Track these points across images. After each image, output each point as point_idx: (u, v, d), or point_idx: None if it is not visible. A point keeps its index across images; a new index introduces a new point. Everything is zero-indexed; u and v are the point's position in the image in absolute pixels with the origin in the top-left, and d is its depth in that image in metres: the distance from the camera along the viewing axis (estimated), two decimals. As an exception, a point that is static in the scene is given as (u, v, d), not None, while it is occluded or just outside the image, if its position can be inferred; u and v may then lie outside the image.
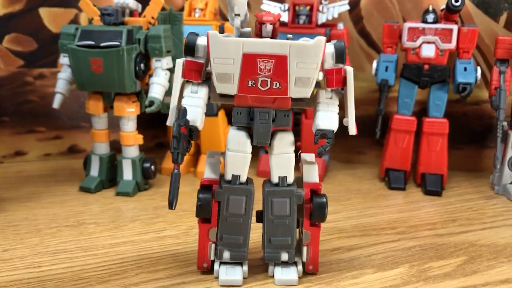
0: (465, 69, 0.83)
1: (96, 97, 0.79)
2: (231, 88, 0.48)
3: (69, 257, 0.58)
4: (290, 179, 0.51)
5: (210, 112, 0.88)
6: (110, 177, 0.83)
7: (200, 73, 0.49)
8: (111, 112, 0.81)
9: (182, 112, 0.47)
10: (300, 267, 0.53)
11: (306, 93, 0.49)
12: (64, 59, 0.80)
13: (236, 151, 0.50)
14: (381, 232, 0.68)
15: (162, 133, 1.03)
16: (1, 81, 0.95)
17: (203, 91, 0.49)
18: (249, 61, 0.46)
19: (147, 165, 0.81)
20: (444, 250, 0.62)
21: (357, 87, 0.99)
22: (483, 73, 0.93)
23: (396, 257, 0.60)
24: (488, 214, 0.75)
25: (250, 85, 0.47)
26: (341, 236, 0.66)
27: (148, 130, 0.80)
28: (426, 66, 0.85)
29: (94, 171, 0.82)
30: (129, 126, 0.80)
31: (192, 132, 0.48)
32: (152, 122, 0.92)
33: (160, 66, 0.76)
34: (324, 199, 0.52)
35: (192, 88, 0.49)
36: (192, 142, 0.49)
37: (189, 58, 0.49)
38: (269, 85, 0.48)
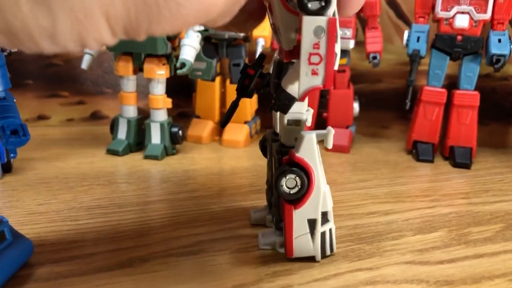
0: (499, 40, 0.82)
1: (126, 59, 0.78)
2: None
3: (105, 212, 0.57)
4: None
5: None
6: (138, 141, 0.82)
7: None
8: (138, 77, 0.80)
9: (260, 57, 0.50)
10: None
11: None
12: (93, 20, 0.78)
13: None
14: (415, 199, 0.67)
15: (185, 102, 1.02)
16: (25, 43, 0.94)
17: None
18: None
19: (175, 129, 0.81)
20: (481, 217, 0.61)
21: (384, 59, 0.98)
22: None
23: (434, 221, 0.59)
24: (520, 186, 0.75)
25: None
26: (376, 202, 0.65)
27: (171, 99, 0.80)
28: (459, 37, 0.83)
29: (122, 134, 0.81)
30: (159, 89, 0.79)
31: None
32: (176, 91, 0.91)
33: (192, 28, 0.75)
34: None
35: None
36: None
37: None
38: None
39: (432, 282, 0.45)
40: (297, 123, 0.48)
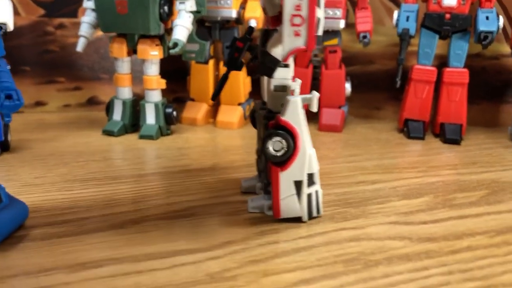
0: (487, 18, 0.83)
1: (120, 40, 0.80)
2: None
3: (99, 183, 0.59)
4: None
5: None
6: (133, 122, 0.83)
7: None
8: (134, 62, 0.82)
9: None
10: None
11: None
12: (88, 3, 0.80)
13: None
14: (403, 170, 0.68)
15: (181, 87, 1.04)
16: (22, 29, 0.96)
17: None
18: None
19: (170, 110, 0.82)
20: (467, 185, 0.63)
21: (375, 41, 1.00)
22: (503, 27, 0.93)
23: (420, 189, 0.61)
24: (508, 159, 0.76)
25: None
26: (364, 173, 0.66)
27: (167, 84, 0.81)
28: (447, 15, 0.85)
29: (117, 115, 0.82)
30: (152, 69, 0.80)
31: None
32: (170, 76, 0.92)
33: (184, 8, 0.77)
34: None
35: None
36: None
37: None
38: None
39: (415, 239, 0.46)
40: (283, 89, 0.50)
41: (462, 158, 0.76)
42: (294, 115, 0.47)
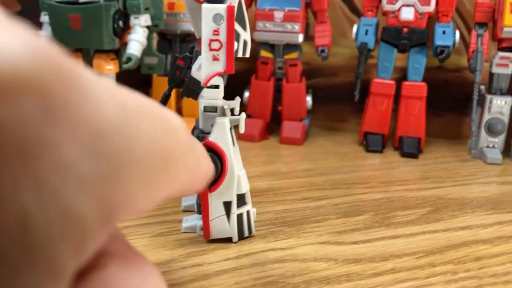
0: (444, 32, 0.84)
1: (76, 55, 0.80)
2: None
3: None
4: None
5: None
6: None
7: None
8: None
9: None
10: None
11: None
12: (44, 18, 0.80)
13: None
14: (351, 186, 0.69)
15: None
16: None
17: None
18: None
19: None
20: (411, 202, 0.63)
21: (339, 53, 1.00)
22: (464, 39, 0.94)
23: (362, 206, 0.61)
24: (461, 174, 0.76)
25: None
26: (311, 189, 0.67)
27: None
28: (405, 29, 0.85)
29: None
30: (108, 84, 0.80)
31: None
32: (134, 88, 0.93)
33: (138, 23, 0.77)
34: None
35: None
36: None
37: None
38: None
39: (341, 260, 0.47)
40: (214, 109, 0.50)
41: (415, 172, 0.77)
42: (223, 135, 0.47)
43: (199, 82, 0.46)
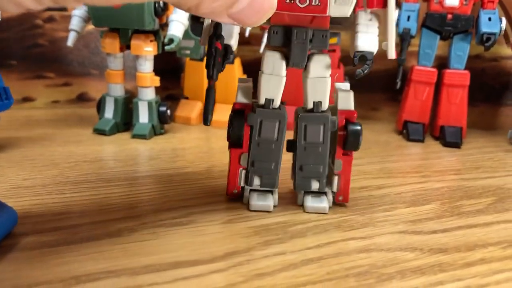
0: (490, 19, 0.82)
1: (113, 35, 0.76)
2: None
3: (92, 187, 0.56)
4: (325, 104, 0.50)
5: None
6: (125, 120, 0.80)
7: None
8: (126, 57, 0.79)
9: (217, 27, 0.44)
10: (330, 197, 0.52)
11: (346, 11, 0.46)
12: (79, -4, 0.76)
13: (271, 73, 0.48)
14: (406, 175, 0.66)
15: (174, 84, 1.01)
16: (9, 22, 0.92)
17: None
18: None
19: (163, 108, 0.79)
20: (472, 192, 0.61)
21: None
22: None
23: (426, 195, 0.59)
24: (510, 164, 0.75)
25: (288, 1, 0.45)
26: (368, 177, 0.64)
27: (159, 81, 0.78)
28: (449, 16, 0.83)
29: (109, 113, 0.79)
30: (146, 66, 0.77)
31: (227, 51, 0.46)
32: (163, 73, 0.90)
33: (181, 4, 0.74)
34: (359, 127, 0.51)
35: None
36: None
37: None
38: (308, 2, 0.45)
39: (426, 250, 0.44)
40: None
41: (464, 162, 0.75)
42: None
43: None
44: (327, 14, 0.46)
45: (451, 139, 0.83)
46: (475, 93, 0.95)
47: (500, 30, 0.81)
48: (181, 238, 0.44)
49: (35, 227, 0.45)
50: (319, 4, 0.46)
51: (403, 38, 0.84)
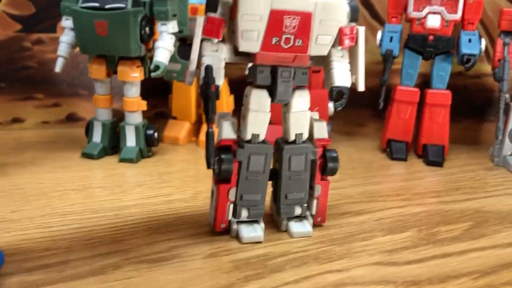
0: (470, 40, 0.84)
1: (99, 61, 0.78)
2: (254, 46, 0.47)
3: (79, 218, 0.57)
4: (306, 135, 0.52)
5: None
6: (113, 144, 0.82)
7: (221, 31, 0.48)
8: (113, 79, 0.80)
9: (209, 70, 0.46)
10: (310, 220, 0.56)
11: (324, 51, 0.48)
12: (66, 22, 0.78)
13: (258, 110, 0.50)
14: (387, 198, 0.68)
15: (162, 102, 1.02)
16: (-3, 45, 0.93)
17: (223, 50, 0.49)
18: (276, 18, 0.45)
19: (151, 132, 0.81)
20: (450, 216, 0.63)
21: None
22: (485, 47, 0.93)
23: (404, 221, 0.60)
24: (490, 184, 0.77)
25: (274, 42, 0.47)
26: (349, 202, 0.66)
27: (148, 99, 0.80)
28: (431, 37, 0.85)
29: (97, 137, 0.81)
30: (133, 91, 0.79)
31: (218, 91, 0.47)
32: (152, 91, 0.91)
33: (166, 30, 0.75)
34: (335, 154, 0.53)
35: (212, 46, 0.48)
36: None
37: (211, 15, 0.48)
38: (292, 43, 0.47)
39: (400, 282, 0.46)
40: None
41: (445, 182, 0.77)
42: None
43: None
44: (308, 54, 0.48)
45: (433, 158, 0.85)
46: (459, 109, 0.97)
47: (480, 51, 0.83)
48: (164, 275, 0.46)
49: (21, 265, 0.46)
50: (302, 44, 0.47)
51: (386, 59, 0.86)
